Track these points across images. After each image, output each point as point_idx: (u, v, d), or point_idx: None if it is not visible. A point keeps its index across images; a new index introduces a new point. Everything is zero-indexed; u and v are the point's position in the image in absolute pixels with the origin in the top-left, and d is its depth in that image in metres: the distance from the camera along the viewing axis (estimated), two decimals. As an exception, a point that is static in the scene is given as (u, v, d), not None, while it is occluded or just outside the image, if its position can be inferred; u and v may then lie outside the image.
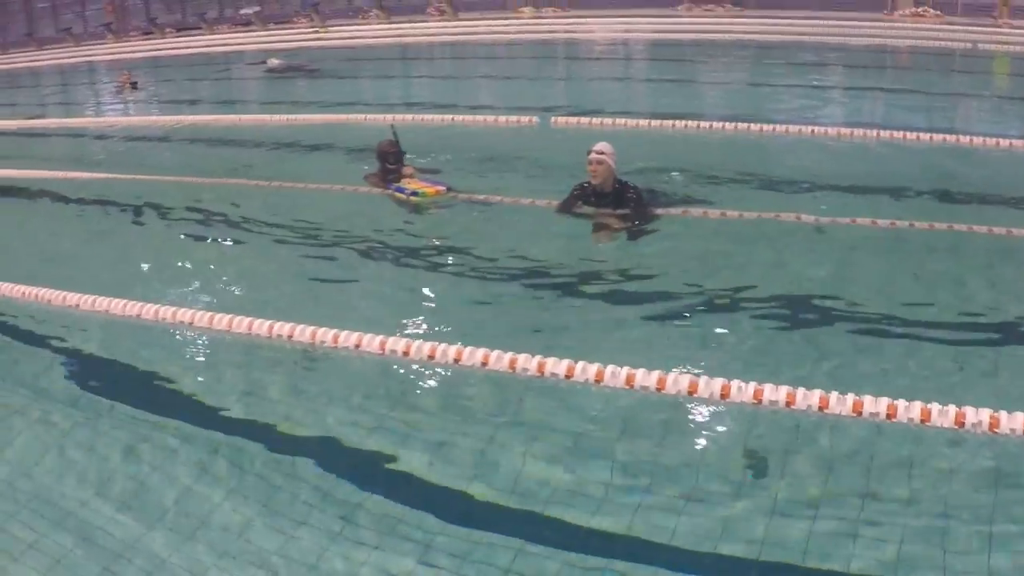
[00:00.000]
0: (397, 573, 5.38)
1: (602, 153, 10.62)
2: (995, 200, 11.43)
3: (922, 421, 6.24)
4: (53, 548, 5.97)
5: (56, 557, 5.88)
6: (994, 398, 6.50)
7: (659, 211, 10.86)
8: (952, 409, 6.28)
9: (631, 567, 5.26)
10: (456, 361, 7.57)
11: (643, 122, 16.31)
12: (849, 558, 5.17)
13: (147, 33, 50.82)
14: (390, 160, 12.90)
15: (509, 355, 7.44)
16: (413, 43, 37.77)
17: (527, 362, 7.32)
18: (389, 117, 15.98)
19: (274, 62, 30.39)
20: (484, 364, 7.47)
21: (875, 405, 6.37)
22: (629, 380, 6.97)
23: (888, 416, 6.31)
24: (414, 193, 12.20)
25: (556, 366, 7.21)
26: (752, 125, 15.74)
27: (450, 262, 10.35)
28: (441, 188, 12.29)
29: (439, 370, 7.68)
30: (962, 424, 6.21)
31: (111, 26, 52.20)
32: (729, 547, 5.34)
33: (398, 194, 12.35)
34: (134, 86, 28.30)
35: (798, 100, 19.37)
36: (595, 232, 10.65)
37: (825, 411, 6.43)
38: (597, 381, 7.05)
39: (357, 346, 8.01)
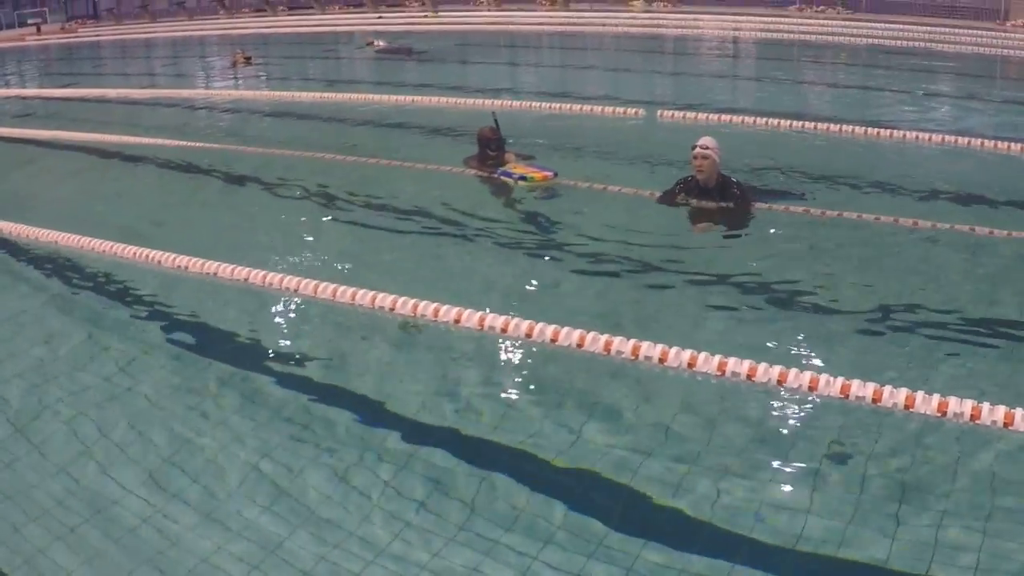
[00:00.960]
0: (482, 546, 5.59)
1: (707, 148, 10.73)
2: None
3: (1005, 425, 6.33)
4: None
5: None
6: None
7: (761, 207, 10.97)
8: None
9: (707, 560, 5.40)
10: (553, 341, 7.78)
11: (748, 119, 16.37)
12: (927, 558, 5.28)
13: (259, 10, 51.53)
14: (491, 147, 13.16)
15: (604, 337, 7.63)
16: (521, 31, 37.95)
17: (622, 345, 7.51)
18: (492, 103, 16.14)
19: (380, 44, 30.76)
20: (580, 345, 7.67)
21: (960, 406, 6.47)
22: (721, 367, 7.13)
23: (972, 418, 6.41)
24: (522, 178, 12.38)
25: (651, 350, 7.40)
26: (857, 128, 15.72)
27: (550, 245, 10.54)
28: (549, 174, 12.45)
29: (535, 348, 7.89)
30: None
31: (224, 1, 53.01)
32: (810, 544, 5.45)
33: (505, 178, 12.54)
34: (248, 60, 28.75)
35: (905, 105, 19.25)
36: (695, 223, 10.79)
37: (911, 409, 6.55)
38: (690, 366, 7.22)
39: (456, 321, 8.24)
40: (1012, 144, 14.37)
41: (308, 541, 5.72)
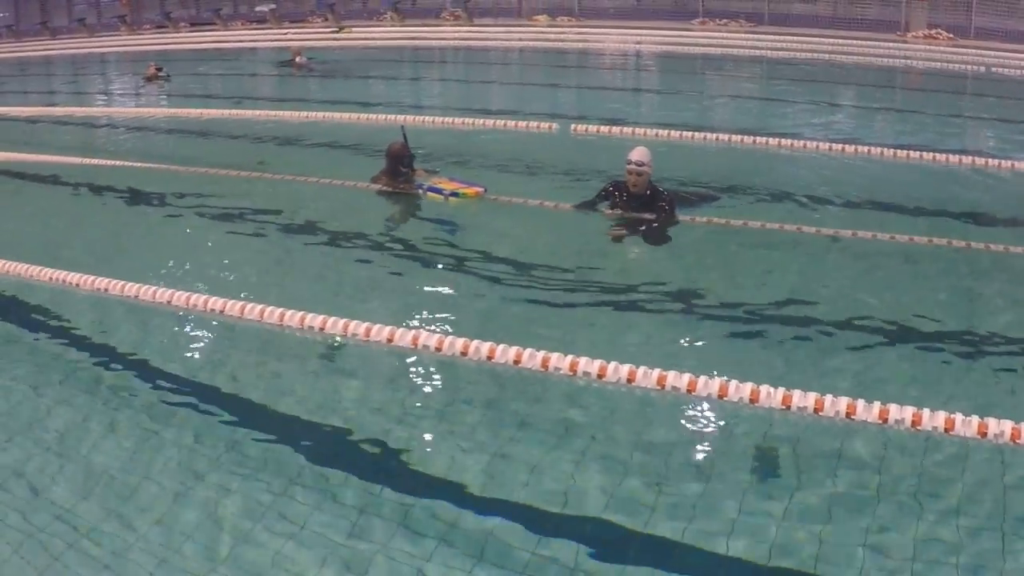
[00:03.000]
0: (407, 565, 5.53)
1: (642, 164, 10.79)
2: (1000, 219, 11.81)
3: (946, 430, 6.45)
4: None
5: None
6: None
7: (685, 218, 11.05)
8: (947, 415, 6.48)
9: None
10: (489, 358, 7.76)
11: (662, 132, 16.47)
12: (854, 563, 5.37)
13: (160, 26, 50.95)
14: (404, 162, 12.87)
15: (541, 354, 7.63)
16: (429, 46, 37.91)
17: (559, 361, 7.50)
18: (401, 118, 16.04)
19: (303, 59, 30.44)
20: (516, 362, 7.65)
21: (900, 412, 6.57)
22: (660, 381, 7.16)
23: (913, 424, 6.51)
24: (454, 194, 12.26)
25: (589, 365, 7.40)
26: (767, 139, 16.04)
27: (473, 261, 10.47)
28: (480, 189, 12.36)
29: (470, 366, 7.85)
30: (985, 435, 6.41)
31: (125, 18, 52.37)
32: (745, 549, 5.52)
33: (432, 194, 12.39)
34: (159, 72, 28.34)
35: (810, 116, 19.60)
36: (612, 229, 10.85)
37: (852, 417, 6.62)
38: (630, 381, 7.24)
39: (389, 340, 8.17)
40: (915, 152, 14.80)
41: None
